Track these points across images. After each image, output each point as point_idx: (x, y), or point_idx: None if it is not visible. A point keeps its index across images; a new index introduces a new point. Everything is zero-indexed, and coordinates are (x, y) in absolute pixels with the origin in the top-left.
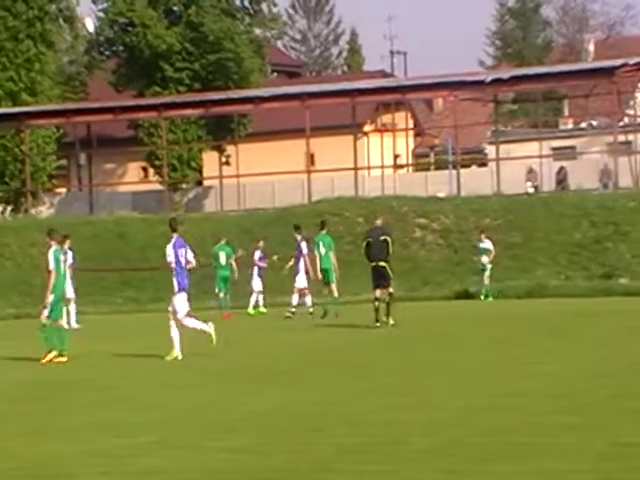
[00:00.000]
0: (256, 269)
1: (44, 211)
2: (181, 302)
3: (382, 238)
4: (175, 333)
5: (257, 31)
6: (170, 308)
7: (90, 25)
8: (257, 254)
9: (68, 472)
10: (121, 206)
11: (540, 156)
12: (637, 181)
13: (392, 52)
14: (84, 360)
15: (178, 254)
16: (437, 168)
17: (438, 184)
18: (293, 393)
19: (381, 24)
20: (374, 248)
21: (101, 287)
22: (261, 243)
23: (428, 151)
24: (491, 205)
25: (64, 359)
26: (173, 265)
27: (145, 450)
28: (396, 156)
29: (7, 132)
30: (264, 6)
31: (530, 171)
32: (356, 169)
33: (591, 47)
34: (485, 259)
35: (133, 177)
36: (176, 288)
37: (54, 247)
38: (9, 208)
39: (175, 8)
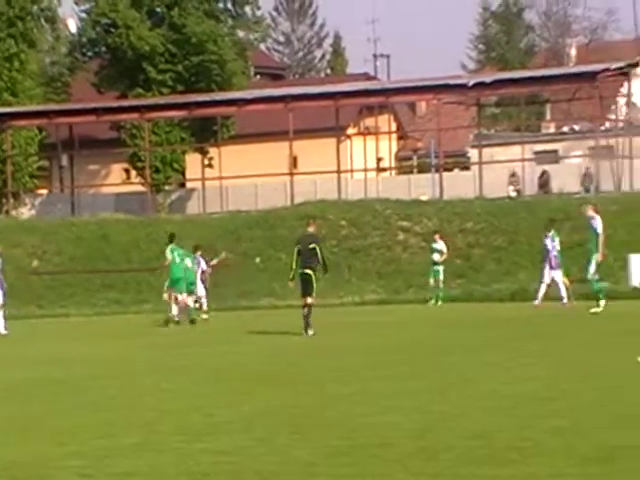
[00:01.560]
0: (199, 275)
1: (25, 212)
2: None
3: (311, 246)
4: None
5: (240, 33)
6: None
7: (72, 26)
8: (202, 261)
9: (47, 473)
10: (104, 208)
11: (522, 160)
12: (619, 185)
13: (375, 55)
14: (63, 362)
15: None
16: (420, 171)
17: (421, 187)
18: (278, 395)
19: (364, 27)
20: (303, 256)
21: (84, 289)
22: (199, 252)
23: (411, 154)
24: (474, 209)
25: None
26: None
27: (127, 452)
28: (379, 159)
29: None
30: (247, 9)
31: (513, 175)
32: (339, 172)
33: (573, 51)
34: (437, 257)
35: (116, 179)
36: None
37: None
38: None
39: (158, 9)
